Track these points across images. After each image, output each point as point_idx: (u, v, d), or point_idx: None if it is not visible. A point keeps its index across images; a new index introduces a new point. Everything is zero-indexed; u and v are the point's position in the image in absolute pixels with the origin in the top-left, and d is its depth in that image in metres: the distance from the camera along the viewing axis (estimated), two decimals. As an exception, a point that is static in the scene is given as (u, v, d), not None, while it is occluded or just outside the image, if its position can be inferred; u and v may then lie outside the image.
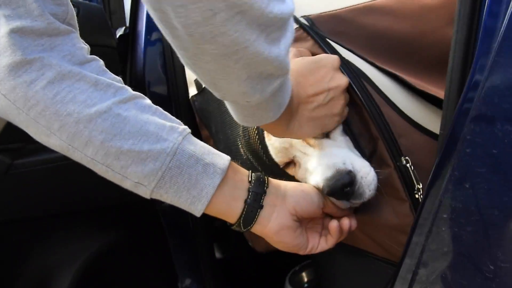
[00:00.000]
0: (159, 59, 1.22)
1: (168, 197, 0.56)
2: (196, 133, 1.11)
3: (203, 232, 1.32)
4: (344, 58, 0.69)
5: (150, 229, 1.30)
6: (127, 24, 1.32)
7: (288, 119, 0.62)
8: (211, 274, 1.35)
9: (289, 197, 0.61)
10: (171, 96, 1.15)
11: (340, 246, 0.86)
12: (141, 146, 0.53)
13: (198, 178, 0.55)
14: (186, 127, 0.58)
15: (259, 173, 0.62)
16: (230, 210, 0.58)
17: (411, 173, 0.65)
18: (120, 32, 1.33)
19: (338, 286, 1.03)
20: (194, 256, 1.34)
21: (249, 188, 0.58)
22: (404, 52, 0.74)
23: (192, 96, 1.08)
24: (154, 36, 1.26)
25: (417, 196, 0.65)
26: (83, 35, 0.60)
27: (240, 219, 0.58)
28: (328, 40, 0.72)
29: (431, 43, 0.75)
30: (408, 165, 0.65)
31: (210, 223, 1.40)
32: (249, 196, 0.58)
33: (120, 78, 0.59)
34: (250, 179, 0.60)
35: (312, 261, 1.14)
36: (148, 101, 0.58)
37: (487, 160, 0.45)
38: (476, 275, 0.48)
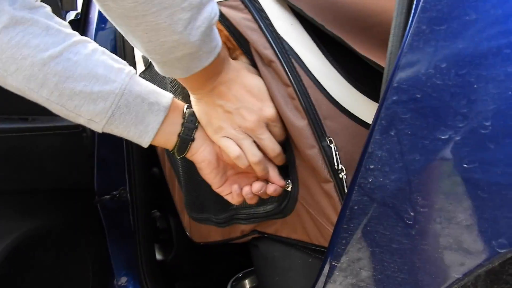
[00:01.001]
0: (109, 45, 1.21)
1: (118, 132, 0.62)
2: None
3: (144, 231, 1.28)
4: (278, 34, 0.70)
5: (86, 221, 1.24)
6: (79, 9, 1.30)
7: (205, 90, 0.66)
8: (149, 275, 1.30)
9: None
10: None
11: (278, 245, 0.85)
12: (92, 87, 0.58)
13: (144, 116, 0.61)
14: (131, 68, 0.63)
15: (192, 109, 0.68)
16: (168, 142, 0.66)
17: (334, 154, 0.67)
18: (71, 17, 1.32)
19: (278, 285, 1.01)
20: (133, 254, 1.29)
21: (183, 123, 0.66)
22: (355, 25, 0.75)
23: (140, 74, 1.06)
24: (107, 24, 1.26)
25: (340, 176, 0.67)
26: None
27: (175, 149, 0.66)
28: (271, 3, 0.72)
29: (379, 21, 0.77)
30: (332, 145, 0.67)
31: (152, 223, 1.36)
32: (182, 131, 0.66)
33: (67, 23, 0.62)
34: (184, 115, 0.67)
35: (255, 270, 1.12)
36: (94, 44, 0.62)
37: (411, 106, 0.46)
38: (398, 224, 0.48)
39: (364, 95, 0.75)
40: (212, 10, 0.54)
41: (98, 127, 0.61)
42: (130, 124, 0.61)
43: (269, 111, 0.67)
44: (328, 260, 0.57)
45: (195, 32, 0.52)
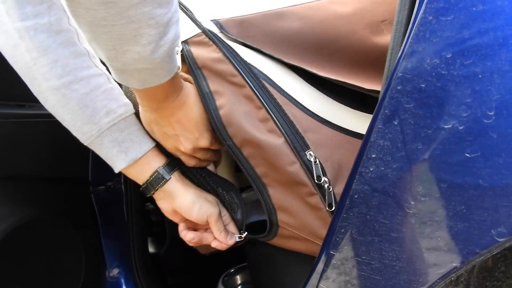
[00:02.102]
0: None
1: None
2: None
3: (137, 223, 1.27)
4: (245, 61, 0.71)
5: (80, 211, 1.24)
6: None
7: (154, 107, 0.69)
8: (141, 267, 1.29)
9: (176, 201, 0.76)
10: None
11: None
12: (75, 122, 0.68)
13: (111, 157, 0.71)
14: (126, 110, 0.71)
15: (166, 167, 0.75)
16: (138, 179, 0.75)
17: (314, 167, 0.67)
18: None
19: (270, 282, 1.01)
20: (126, 246, 1.29)
21: (151, 175, 0.73)
22: (317, 53, 0.76)
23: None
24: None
25: (325, 187, 0.66)
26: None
27: (143, 187, 0.75)
28: (233, 43, 0.73)
29: (344, 45, 0.78)
30: (311, 159, 0.67)
31: (146, 216, 1.35)
32: (149, 180, 0.74)
33: (87, 50, 0.69)
34: (155, 172, 0.74)
35: (248, 265, 1.12)
36: (102, 79, 0.69)
37: (415, 95, 0.46)
38: (398, 212, 0.48)
39: (344, 105, 0.75)
40: (176, 33, 0.56)
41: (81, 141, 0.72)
42: (101, 155, 0.72)
43: (204, 142, 0.72)
44: (324, 253, 0.57)
45: (157, 49, 0.55)
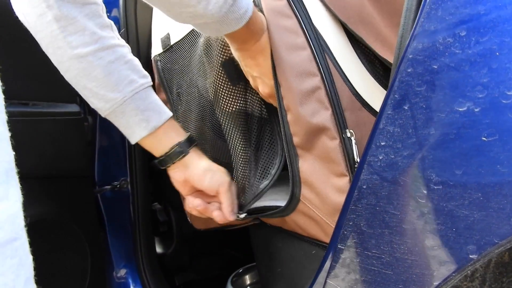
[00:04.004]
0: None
1: (114, 124, 0.75)
2: None
3: (144, 223, 1.26)
4: (313, 24, 0.69)
5: (85, 210, 1.22)
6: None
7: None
8: (148, 267, 1.27)
9: (190, 170, 0.80)
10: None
11: (281, 235, 0.83)
12: (99, 90, 0.70)
13: (133, 125, 0.74)
14: (146, 81, 0.75)
15: (188, 139, 0.79)
16: (154, 151, 0.78)
17: (353, 147, 0.64)
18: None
19: (279, 277, 0.99)
20: (133, 246, 1.27)
21: (172, 147, 0.78)
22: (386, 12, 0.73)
23: (155, 56, 1.06)
24: (112, 13, 1.25)
25: None
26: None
27: (159, 159, 0.79)
28: None
29: None
30: (352, 138, 0.64)
31: (152, 216, 1.34)
32: (169, 152, 0.78)
33: (111, 23, 0.72)
34: (179, 143, 0.78)
35: (256, 262, 1.10)
36: (125, 50, 0.73)
37: (427, 77, 0.43)
38: (409, 203, 0.45)
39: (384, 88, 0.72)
40: None
41: (102, 114, 0.74)
42: (121, 126, 0.75)
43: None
44: (332, 248, 0.55)
45: (210, 6, 0.58)
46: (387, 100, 0.47)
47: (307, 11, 0.70)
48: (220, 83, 0.81)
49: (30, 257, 0.44)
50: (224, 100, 0.83)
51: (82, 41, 0.67)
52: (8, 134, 0.46)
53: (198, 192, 0.82)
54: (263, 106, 0.82)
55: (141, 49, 1.19)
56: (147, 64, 1.14)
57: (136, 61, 0.74)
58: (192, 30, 0.89)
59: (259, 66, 0.71)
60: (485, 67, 0.39)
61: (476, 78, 0.40)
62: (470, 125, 0.40)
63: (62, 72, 0.70)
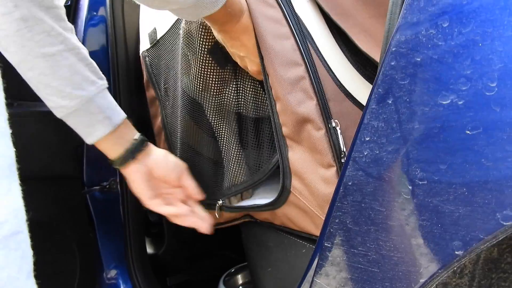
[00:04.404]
0: (101, 32, 1.19)
1: (71, 124, 0.76)
2: (142, 93, 1.09)
3: (134, 224, 1.24)
4: (297, 14, 0.69)
5: (74, 211, 1.21)
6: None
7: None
8: (139, 269, 1.26)
9: (152, 158, 0.82)
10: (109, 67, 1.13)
11: (272, 234, 0.82)
12: (64, 88, 0.72)
13: (95, 123, 0.76)
14: (105, 83, 0.78)
15: (143, 136, 0.82)
16: (111, 151, 0.79)
17: (339, 137, 0.64)
18: (61, 1, 1.29)
19: (270, 279, 0.98)
20: (123, 247, 1.26)
21: (132, 142, 0.80)
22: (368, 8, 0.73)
23: (143, 52, 1.05)
24: (98, 12, 1.23)
25: (343, 160, 0.64)
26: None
27: (116, 159, 0.79)
28: None
29: None
30: (337, 127, 0.64)
31: (143, 216, 1.33)
32: (129, 148, 0.79)
33: (72, 27, 0.75)
34: (135, 138, 0.81)
35: (247, 261, 1.09)
36: (86, 53, 0.76)
37: (410, 70, 0.42)
38: (395, 199, 0.44)
39: (369, 81, 0.72)
40: None
41: (56, 114, 0.75)
42: (82, 124, 0.75)
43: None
44: (319, 246, 0.54)
45: None
46: (371, 94, 0.46)
47: (290, 1, 0.69)
48: (208, 70, 0.81)
49: (31, 251, 0.45)
50: (214, 86, 0.82)
51: (49, 41, 0.69)
52: (9, 130, 0.47)
53: (159, 194, 0.83)
54: (258, 94, 0.81)
55: (129, 47, 1.18)
56: (135, 61, 1.13)
57: (95, 64, 0.78)
58: (175, 22, 0.88)
59: (244, 45, 0.70)
60: (468, 59, 0.38)
61: (459, 70, 0.39)
62: (454, 118, 0.39)
63: (22, 70, 0.71)
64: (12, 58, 0.70)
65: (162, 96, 1.00)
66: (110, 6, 1.19)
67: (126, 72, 1.13)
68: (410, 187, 0.43)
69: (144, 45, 1.04)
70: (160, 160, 0.82)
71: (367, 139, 0.46)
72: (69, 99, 0.72)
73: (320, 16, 0.71)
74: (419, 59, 0.42)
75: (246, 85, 0.80)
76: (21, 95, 1.07)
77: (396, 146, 0.44)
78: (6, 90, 1.00)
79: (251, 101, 0.80)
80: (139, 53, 1.10)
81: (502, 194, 0.37)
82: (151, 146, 0.83)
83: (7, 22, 0.66)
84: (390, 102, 0.44)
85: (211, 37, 0.77)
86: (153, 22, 0.99)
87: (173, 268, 1.45)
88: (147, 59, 1.03)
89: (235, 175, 0.84)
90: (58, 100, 0.72)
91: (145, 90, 1.10)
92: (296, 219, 0.74)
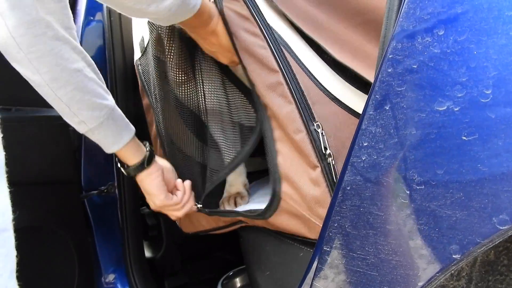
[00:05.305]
0: (98, 37, 1.19)
1: (99, 135, 0.78)
2: (139, 102, 1.09)
3: (132, 227, 1.25)
4: (269, 24, 0.73)
5: (72, 216, 1.21)
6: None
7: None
8: (138, 272, 1.26)
9: (160, 162, 0.90)
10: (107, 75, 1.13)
11: (270, 238, 0.83)
12: (95, 99, 0.75)
13: (121, 130, 0.80)
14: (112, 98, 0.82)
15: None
16: (134, 156, 0.83)
17: (321, 138, 0.66)
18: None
19: (268, 282, 0.98)
20: (121, 251, 1.26)
21: (146, 146, 0.86)
22: (343, 22, 0.76)
23: (136, 61, 1.05)
24: (95, 17, 1.23)
25: (328, 161, 0.66)
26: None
27: (142, 162, 0.84)
28: (261, 1, 0.75)
29: (370, 19, 0.76)
30: (319, 130, 0.67)
31: (141, 220, 1.33)
32: (148, 151, 0.86)
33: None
34: (145, 144, 0.87)
35: (245, 265, 1.10)
36: (95, 68, 0.80)
37: (407, 77, 0.43)
38: (392, 204, 0.45)
39: (353, 86, 0.74)
40: None
41: (84, 128, 0.76)
42: (110, 133, 0.78)
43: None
44: (318, 250, 0.54)
45: (162, 7, 0.66)
46: (369, 100, 0.47)
47: (262, 14, 0.74)
48: (178, 64, 0.87)
49: (15, 251, 0.45)
50: (207, 74, 0.88)
51: (76, 58, 0.73)
52: (0, 135, 0.48)
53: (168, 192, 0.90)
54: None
55: (127, 52, 1.18)
56: (132, 67, 1.14)
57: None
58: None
59: (213, 44, 0.79)
60: (463, 66, 0.39)
61: (455, 77, 0.40)
62: (450, 124, 0.40)
63: (54, 90, 0.72)
64: (42, 78, 0.70)
65: (154, 103, 1.01)
66: (107, 11, 1.19)
67: (123, 77, 1.13)
68: (408, 192, 0.44)
69: (137, 54, 1.05)
70: (165, 164, 0.91)
71: (365, 144, 0.47)
72: (98, 109, 0.75)
73: (292, 28, 0.75)
74: (415, 66, 0.42)
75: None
76: (20, 100, 1.07)
77: (393, 152, 0.45)
78: (4, 96, 1.00)
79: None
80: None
81: (498, 199, 0.38)
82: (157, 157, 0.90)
83: (41, 43, 0.68)
84: (387, 108, 0.45)
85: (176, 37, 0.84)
86: (141, 31, 1.00)
87: (171, 271, 1.45)
88: (139, 67, 1.05)
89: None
90: (89, 113, 0.74)
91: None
92: (288, 225, 0.75)
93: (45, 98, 0.74)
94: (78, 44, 0.75)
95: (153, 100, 1.01)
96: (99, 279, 1.27)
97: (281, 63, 0.70)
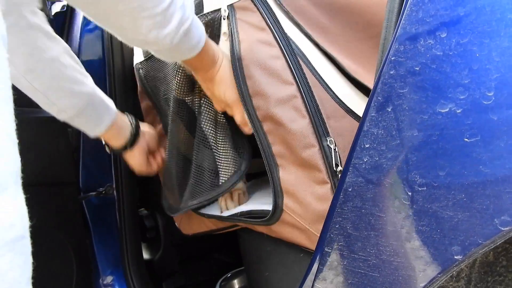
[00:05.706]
0: (97, 39, 1.19)
1: (80, 121, 0.78)
2: (137, 104, 1.09)
3: (130, 229, 1.24)
4: (286, 33, 0.71)
5: (70, 217, 1.20)
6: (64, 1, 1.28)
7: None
8: (136, 274, 1.26)
9: (147, 134, 0.94)
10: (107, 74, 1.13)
11: (269, 239, 0.83)
12: (73, 87, 0.74)
13: (102, 114, 0.80)
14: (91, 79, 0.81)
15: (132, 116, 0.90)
16: (118, 136, 0.85)
17: (333, 154, 0.65)
18: (56, 8, 1.29)
19: (267, 283, 0.98)
20: (119, 253, 1.25)
21: (131, 123, 0.88)
22: (358, 34, 0.76)
23: (136, 64, 1.05)
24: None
25: (339, 177, 0.64)
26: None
27: (126, 142, 0.87)
28: (278, 9, 0.73)
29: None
30: (332, 146, 0.65)
31: (139, 221, 1.33)
32: (132, 129, 0.88)
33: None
34: (129, 119, 0.90)
35: (244, 265, 1.10)
36: (71, 53, 0.78)
37: (409, 79, 0.43)
38: (394, 205, 0.45)
39: (367, 96, 0.73)
40: (181, 18, 0.60)
41: (64, 116, 0.76)
42: (91, 118, 0.78)
43: (231, 111, 0.79)
44: (319, 251, 0.54)
45: (163, 36, 0.61)
46: (370, 102, 0.47)
47: (280, 23, 0.72)
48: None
49: (31, 259, 0.45)
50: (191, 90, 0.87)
51: (50, 45, 0.72)
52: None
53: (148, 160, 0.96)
54: None
55: (125, 53, 1.18)
56: (131, 71, 1.14)
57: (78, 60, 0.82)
58: None
59: (209, 90, 0.78)
60: (465, 69, 0.39)
61: (457, 79, 0.40)
62: (453, 126, 0.40)
63: (29, 80, 0.71)
64: (16, 69, 0.70)
65: (162, 105, 1.01)
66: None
67: (122, 78, 1.13)
68: (410, 193, 0.44)
69: (138, 57, 1.05)
70: (150, 133, 0.95)
71: (367, 146, 0.47)
72: (78, 96, 0.74)
73: (308, 39, 0.73)
74: (418, 68, 0.43)
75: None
76: (17, 101, 1.07)
77: (395, 153, 0.45)
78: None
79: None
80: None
81: (500, 200, 0.38)
82: (140, 123, 0.92)
83: (14, 34, 0.66)
84: (389, 110, 0.45)
85: None
86: None
87: (169, 273, 1.45)
88: (140, 71, 1.04)
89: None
90: (67, 100, 0.74)
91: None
92: (290, 236, 0.74)
93: (22, 89, 0.73)
94: (50, 29, 0.72)
95: (162, 102, 1.01)
96: (97, 281, 1.27)
97: (297, 75, 0.68)
